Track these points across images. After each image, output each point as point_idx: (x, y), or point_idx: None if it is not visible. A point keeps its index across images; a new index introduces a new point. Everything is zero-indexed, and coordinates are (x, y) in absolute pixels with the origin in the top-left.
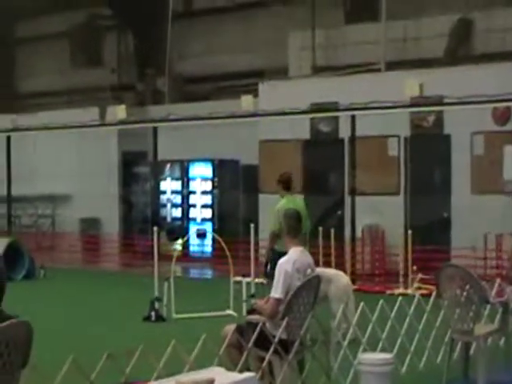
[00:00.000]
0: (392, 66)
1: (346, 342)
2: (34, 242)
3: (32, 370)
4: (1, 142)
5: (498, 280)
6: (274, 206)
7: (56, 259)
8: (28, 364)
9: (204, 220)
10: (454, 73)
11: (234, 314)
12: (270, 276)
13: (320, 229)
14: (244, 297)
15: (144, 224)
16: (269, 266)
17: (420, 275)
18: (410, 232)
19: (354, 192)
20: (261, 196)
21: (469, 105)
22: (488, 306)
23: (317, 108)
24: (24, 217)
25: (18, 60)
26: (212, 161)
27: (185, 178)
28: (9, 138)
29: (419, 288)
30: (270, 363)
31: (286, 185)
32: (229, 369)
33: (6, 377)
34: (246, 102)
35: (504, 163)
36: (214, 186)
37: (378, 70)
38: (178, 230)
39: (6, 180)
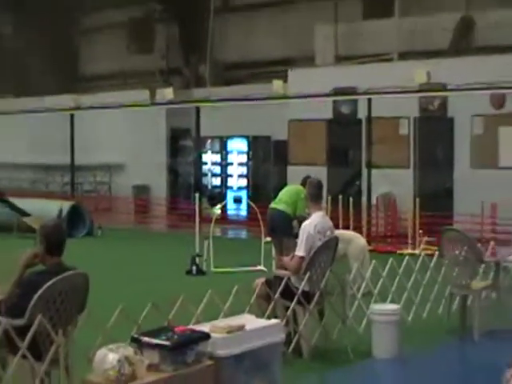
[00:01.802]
0: (403, 56)
1: (360, 295)
2: (93, 205)
3: (88, 315)
4: (65, 119)
5: (492, 242)
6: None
7: (112, 220)
8: (85, 309)
9: (240, 188)
10: (457, 63)
11: (265, 269)
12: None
13: (340, 197)
14: (273, 254)
15: (188, 190)
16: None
17: (426, 238)
18: (417, 200)
19: (370, 165)
20: (289, 168)
21: (469, 91)
22: (483, 265)
23: (338, 92)
24: (85, 183)
25: (81, 47)
26: (247, 137)
27: (223, 152)
28: (72, 116)
29: (425, 249)
30: (294, 312)
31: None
32: (258, 316)
33: (66, 319)
34: (277, 86)
35: (499, 142)
36: (248, 159)
37: (391, 60)
38: (218, 196)
39: (70, 152)
